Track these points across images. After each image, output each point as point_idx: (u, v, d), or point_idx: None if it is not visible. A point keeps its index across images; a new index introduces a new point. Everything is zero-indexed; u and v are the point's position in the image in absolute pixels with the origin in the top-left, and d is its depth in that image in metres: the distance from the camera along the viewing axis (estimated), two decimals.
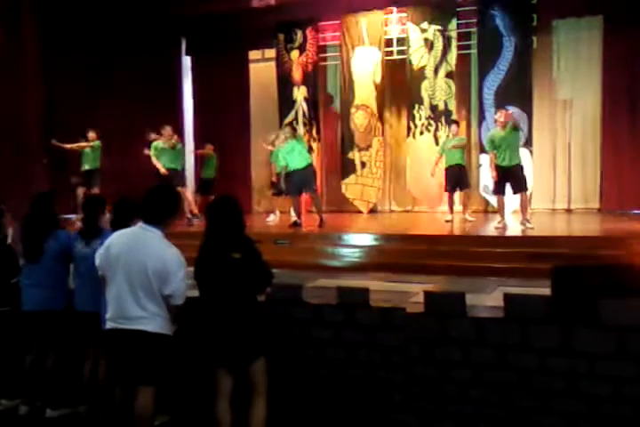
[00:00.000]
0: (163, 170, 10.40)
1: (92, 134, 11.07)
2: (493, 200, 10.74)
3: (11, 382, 5.11)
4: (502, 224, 9.14)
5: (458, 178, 10.43)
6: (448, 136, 11.25)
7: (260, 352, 3.84)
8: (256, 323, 3.84)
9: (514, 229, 9.04)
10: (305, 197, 10.60)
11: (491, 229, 9.43)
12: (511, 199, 9.61)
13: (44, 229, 4.87)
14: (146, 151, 10.87)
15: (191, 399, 4.61)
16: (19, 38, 10.79)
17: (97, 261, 3.92)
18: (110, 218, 4.63)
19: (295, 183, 10.07)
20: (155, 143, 10.68)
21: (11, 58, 10.61)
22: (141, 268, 3.67)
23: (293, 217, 10.24)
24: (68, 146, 10.97)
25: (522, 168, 9.17)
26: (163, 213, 3.83)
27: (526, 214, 9.08)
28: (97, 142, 11.09)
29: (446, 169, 10.52)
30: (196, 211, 10.94)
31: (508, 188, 9.15)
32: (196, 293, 3.87)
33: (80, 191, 10.93)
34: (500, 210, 9.39)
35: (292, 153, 10.00)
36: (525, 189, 9.17)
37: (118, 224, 4.30)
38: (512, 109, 10.72)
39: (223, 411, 3.83)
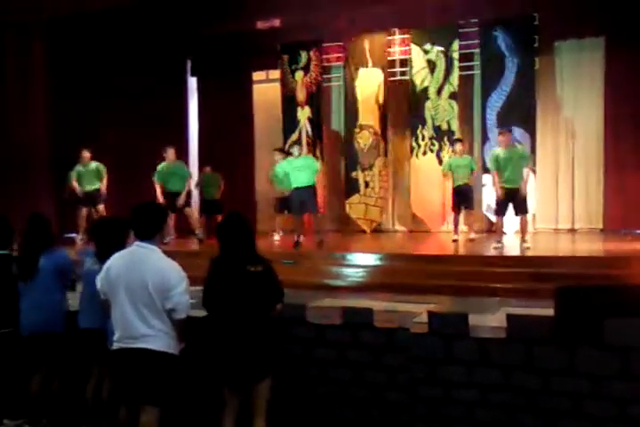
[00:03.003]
0: (160, 196, 10.42)
1: (85, 154, 10.79)
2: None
3: (14, 402, 5.09)
4: (501, 244, 9.11)
5: (465, 197, 10.43)
6: (451, 155, 11.30)
7: (268, 373, 3.86)
8: (267, 342, 3.87)
9: (516, 249, 9.03)
10: (307, 216, 10.57)
11: (492, 249, 9.40)
12: (513, 220, 9.59)
13: (39, 247, 4.84)
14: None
15: (196, 418, 4.59)
16: (27, 56, 10.93)
17: (98, 285, 3.93)
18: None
19: (297, 202, 10.03)
20: (159, 167, 10.69)
21: (19, 75, 10.75)
22: (142, 284, 3.70)
23: (296, 237, 10.20)
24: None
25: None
26: (153, 228, 3.89)
27: (525, 235, 9.08)
28: (92, 165, 10.87)
29: (454, 188, 10.50)
30: (198, 229, 10.97)
31: (510, 208, 9.12)
32: (201, 312, 3.88)
33: (84, 211, 10.88)
34: (497, 230, 9.39)
35: (299, 171, 9.97)
36: (526, 211, 9.16)
37: None
38: (516, 130, 10.80)
39: (229, 425, 3.87)
